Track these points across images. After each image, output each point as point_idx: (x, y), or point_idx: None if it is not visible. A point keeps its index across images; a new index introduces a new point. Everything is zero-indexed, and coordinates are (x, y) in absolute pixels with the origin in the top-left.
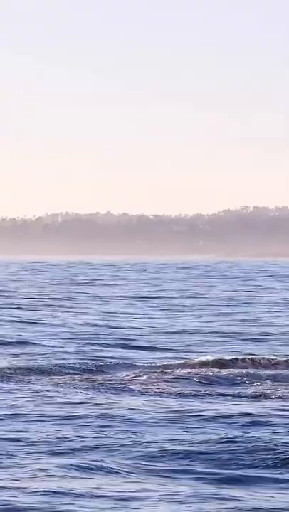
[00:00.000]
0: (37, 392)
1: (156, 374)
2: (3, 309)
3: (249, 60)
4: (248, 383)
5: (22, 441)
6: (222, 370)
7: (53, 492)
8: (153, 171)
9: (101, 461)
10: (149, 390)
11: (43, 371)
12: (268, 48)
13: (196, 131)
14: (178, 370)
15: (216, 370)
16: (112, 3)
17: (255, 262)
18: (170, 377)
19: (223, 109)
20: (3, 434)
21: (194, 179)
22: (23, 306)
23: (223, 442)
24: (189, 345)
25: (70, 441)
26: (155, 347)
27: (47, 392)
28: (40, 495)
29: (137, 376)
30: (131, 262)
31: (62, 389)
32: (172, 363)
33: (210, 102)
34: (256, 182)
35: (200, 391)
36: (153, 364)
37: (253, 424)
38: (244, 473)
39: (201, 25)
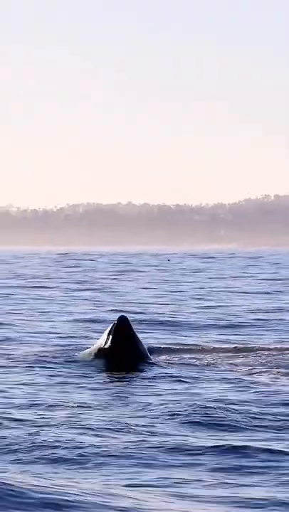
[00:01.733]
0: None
1: None
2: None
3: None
4: None
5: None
6: None
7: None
8: (174, 161)
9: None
10: None
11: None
12: None
13: (216, 120)
14: None
15: None
16: None
17: None
18: None
19: (244, 98)
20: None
21: (215, 168)
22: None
23: None
24: None
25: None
26: None
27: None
28: None
29: None
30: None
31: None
32: None
33: (230, 92)
34: (277, 170)
35: None
36: None
37: None
38: None
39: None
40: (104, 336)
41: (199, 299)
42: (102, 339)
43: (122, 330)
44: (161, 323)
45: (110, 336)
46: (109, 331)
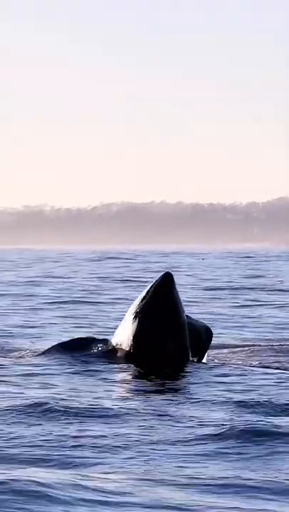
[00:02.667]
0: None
1: None
2: None
3: None
4: None
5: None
6: None
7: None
8: (207, 159)
9: None
10: None
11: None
12: None
13: (250, 120)
14: None
15: None
16: None
17: None
18: None
19: (280, 98)
20: None
21: (248, 167)
22: None
23: None
24: None
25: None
26: None
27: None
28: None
29: None
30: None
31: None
32: None
33: (259, 91)
34: None
35: None
36: None
37: None
38: None
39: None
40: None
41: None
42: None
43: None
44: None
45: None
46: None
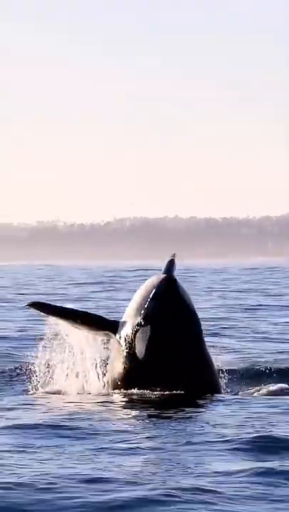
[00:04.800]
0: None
1: None
2: None
3: None
4: None
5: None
6: None
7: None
8: (221, 174)
9: None
10: None
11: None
12: None
13: (263, 134)
14: None
15: None
16: None
17: None
18: None
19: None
20: None
21: (262, 181)
22: None
23: None
24: None
25: None
26: None
27: None
28: None
29: None
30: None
31: None
32: None
33: (277, 107)
34: None
35: None
36: None
37: None
38: None
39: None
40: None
41: None
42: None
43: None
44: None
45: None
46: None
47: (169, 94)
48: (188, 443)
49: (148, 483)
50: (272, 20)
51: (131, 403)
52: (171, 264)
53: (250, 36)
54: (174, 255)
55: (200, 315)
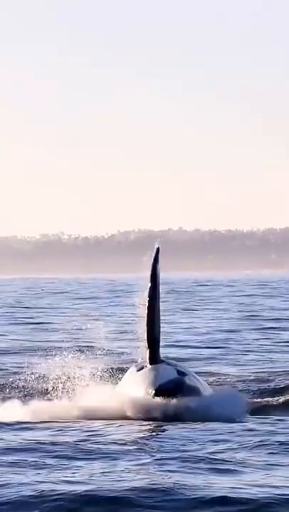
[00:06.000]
0: None
1: None
2: None
3: None
4: None
5: None
6: None
7: None
8: (225, 186)
9: None
10: None
11: None
12: None
13: (266, 146)
14: None
15: None
16: None
17: None
18: None
19: None
20: None
21: (265, 193)
22: None
23: None
24: None
25: None
26: None
27: None
28: None
29: None
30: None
31: None
32: None
33: (280, 119)
34: None
35: None
36: None
37: None
38: None
39: None
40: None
41: None
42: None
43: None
44: None
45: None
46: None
47: (169, 105)
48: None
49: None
50: (275, 32)
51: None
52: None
53: (252, 47)
54: (159, 242)
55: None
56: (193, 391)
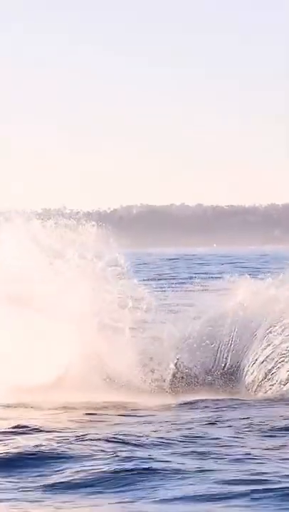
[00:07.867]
0: None
1: None
2: None
3: None
4: None
5: None
6: None
7: None
8: (226, 161)
9: None
10: None
11: None
12: None
13: (266, 121)
14: None
15: None
16: None
17: None
18: None
19: None
20: None
21: (267, 168)
22: None
23: None
24: None
25: None
26: None
27: None
28: None
29: None
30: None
31: None
32: None
33: (281, 94)
34: None
35: None
36: None
37: None
38: None
39: None
40: None
41: None
42: None
43: None
44: None
45: None
46: None
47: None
48: None
49: None
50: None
51: None
52: None
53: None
54: None
55: None
56: None
